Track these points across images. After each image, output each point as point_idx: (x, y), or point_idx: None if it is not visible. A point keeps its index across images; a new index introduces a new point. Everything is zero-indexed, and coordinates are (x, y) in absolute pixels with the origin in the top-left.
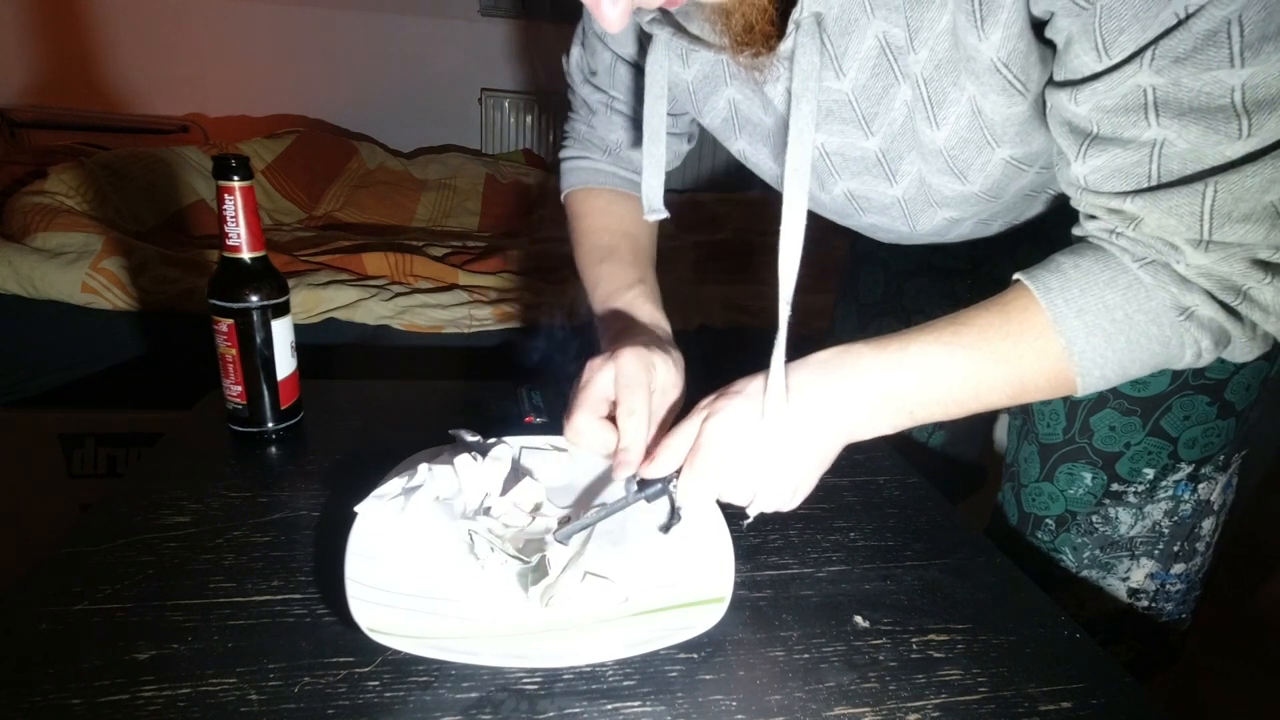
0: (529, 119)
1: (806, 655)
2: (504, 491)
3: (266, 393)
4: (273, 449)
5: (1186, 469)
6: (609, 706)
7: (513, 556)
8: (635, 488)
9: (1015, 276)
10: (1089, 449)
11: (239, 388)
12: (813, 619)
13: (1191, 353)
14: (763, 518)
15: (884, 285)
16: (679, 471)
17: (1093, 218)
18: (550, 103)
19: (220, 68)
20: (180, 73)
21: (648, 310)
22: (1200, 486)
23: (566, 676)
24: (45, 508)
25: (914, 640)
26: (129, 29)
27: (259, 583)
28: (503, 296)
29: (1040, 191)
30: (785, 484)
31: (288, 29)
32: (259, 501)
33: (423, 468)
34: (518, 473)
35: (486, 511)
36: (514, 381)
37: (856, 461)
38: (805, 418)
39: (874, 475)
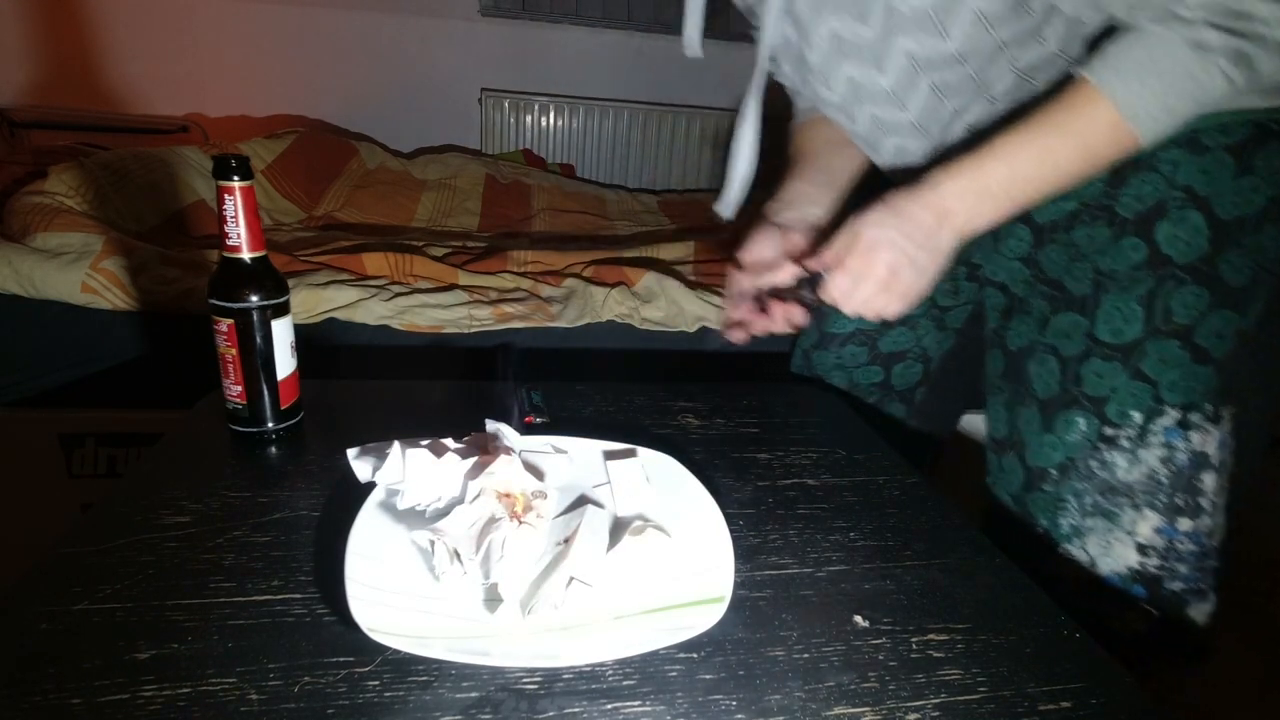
0: (529, 119)
1: (806, 655)
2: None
3: (266, 393)
4: (273, 449)
5: (1174, 414)
6: (609, 706)
7: (473, 571)
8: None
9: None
10: (1081, 396)
11: (239, 388)
12: (813, 619)
13: (1221, 79)
14: (765, 511)
15: None
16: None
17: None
18: (550, 103)
19: (220, 68)
20: (180, 73)
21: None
22: (1192, 435)
23: (566, 676)
24: (45, 508)
25: (914, 640)
26: (129, 29)
27: (259, 583)
28: (503, 296)
29: (1031, 70)
30: (912, 292)
31: (288, 29)
32: (259, 501)
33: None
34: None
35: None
36: (514, 381)
37: (856, 461)
38: (927, 225)
39: (874, 475)
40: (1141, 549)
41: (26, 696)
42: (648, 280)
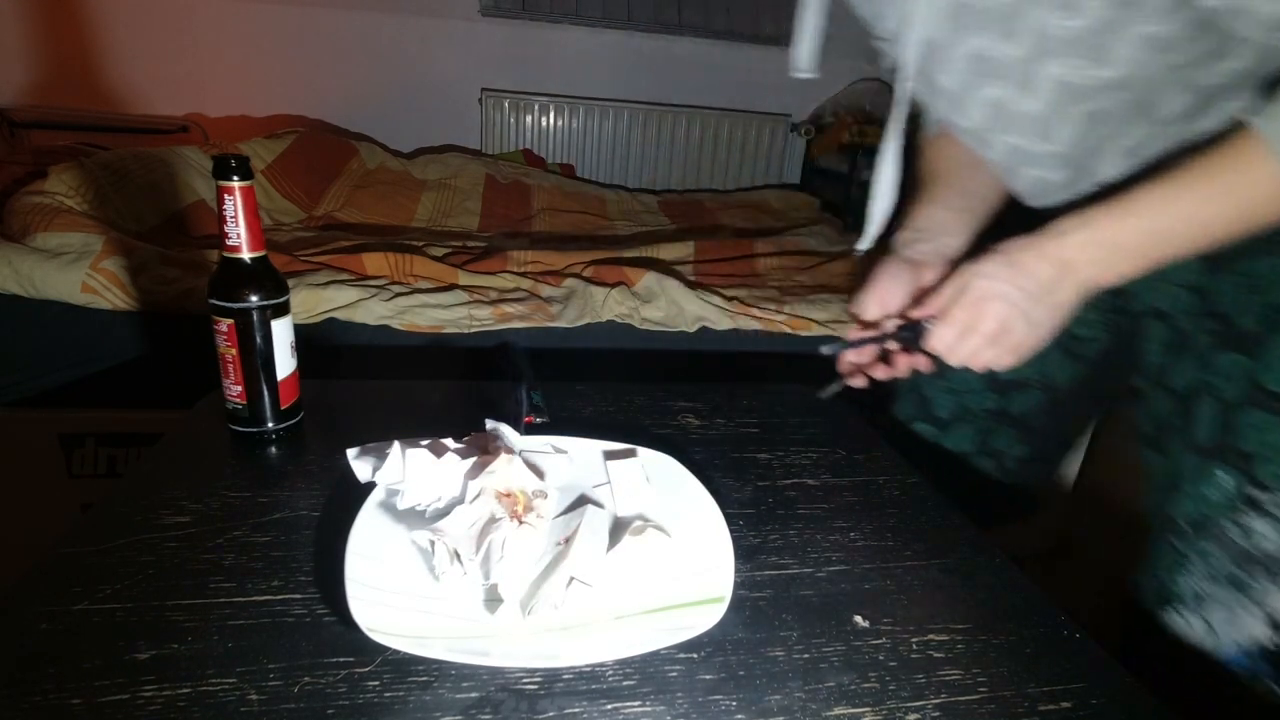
0: (529, 119)
1: (806, 655)
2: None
3: (266, 393)
4: (273, 449)
5: None
6: (609, 706)
7: (473, 571)
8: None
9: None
10: (1232, 450)
11: (239, 388)
12: (813, 619)
13: None
14: (765, 511)
15: None
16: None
17: None
18: (550, 103)
19: (220, 68)
20: (180, 73)
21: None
22: None
23: (566, 676)
24: (45, 508)
25: (914, 640)
26: (129, 29)
27: (259, 583)
28: (503, 296)
29: (1215, 90)
30: (1024, 346)
31: (288, 29)
32: (259, 501)
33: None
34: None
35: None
36: (524, 381)
37: (856, 461)
38: (1045, 278)
39: (874, 475)
40: (1277, 626)
41: (26, 696)
42: (648, 280)
